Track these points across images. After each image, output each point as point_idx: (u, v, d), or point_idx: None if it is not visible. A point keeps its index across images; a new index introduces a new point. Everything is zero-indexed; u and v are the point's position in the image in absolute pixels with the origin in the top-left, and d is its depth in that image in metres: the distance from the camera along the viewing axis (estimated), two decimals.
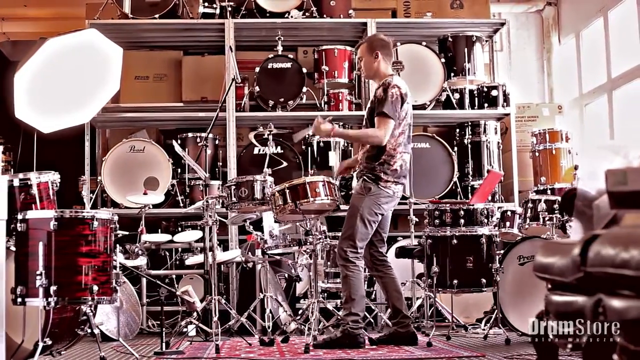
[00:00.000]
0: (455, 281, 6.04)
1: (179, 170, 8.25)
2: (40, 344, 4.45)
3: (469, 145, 8.43)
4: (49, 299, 4.49)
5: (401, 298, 5.90)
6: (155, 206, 7.71)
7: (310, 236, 6.00)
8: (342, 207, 6.23)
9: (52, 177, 5.05)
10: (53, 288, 4.50)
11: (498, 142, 8.48)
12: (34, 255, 4.52)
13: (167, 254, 8.01)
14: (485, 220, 6.14)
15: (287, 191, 5.83)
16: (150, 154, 8.11)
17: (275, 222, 6.53)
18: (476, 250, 6.08)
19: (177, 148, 6.29)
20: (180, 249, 7.98)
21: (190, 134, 8.36)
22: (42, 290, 4.48)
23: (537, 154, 8.19)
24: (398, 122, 5.76)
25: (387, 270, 5.93)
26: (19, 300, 4.52)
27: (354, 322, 5.66)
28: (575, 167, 6.93)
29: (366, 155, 5.84)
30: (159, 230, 8.15)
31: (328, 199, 5.84)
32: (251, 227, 6.97)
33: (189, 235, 7.69)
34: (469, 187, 8.38)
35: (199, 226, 7.94)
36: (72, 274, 4.57)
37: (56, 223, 4.55)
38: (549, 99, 9.70)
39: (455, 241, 6.08)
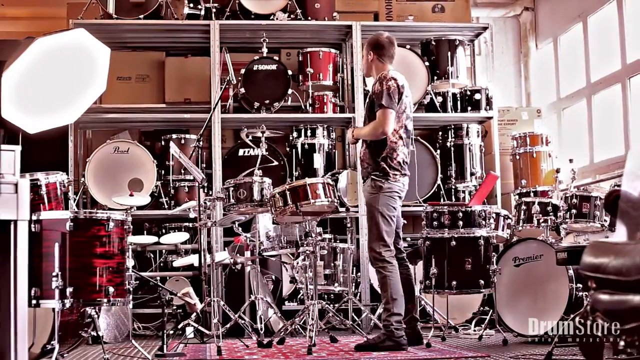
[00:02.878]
0: (454, 282, 6.10)
1: (163, 172, 8.19)
2: (56, 348, 4.39)
3: (452, 148, 8.51)
4: (65, 301, 4.45)
5: (413, 299, 5.93)
6: (139, 208, 7.63)
7: (310, 238, 6.00)
8: (341, 209, 6.24)
9: (61, 178, 5.00)
10: (69, 290, 4.46)
11: (480, 145, 8.57)
12: (48, 257, 4.47)
13: (152, 255, 7.96)
14: (483, 222, 6.20)
15: (288, 193, 5.83)
16: (135, 156, 8.01)
17: (273, 223, 6.52)
18: (474, 252, 6.14)
19: (174, 149, 6.25)
20: (165, 251, 7.92)
21: (174, 135, 8.29)
22: (58, 292, 4.44)
23: (517, 157, 8.27)
24: (397, 115, 5.79)
25: (402, 268, 5.91)
26: (33, 302, 4.46)
27: (397, 323, 5.62)
28: (557, 170, 7.02)
29: (368, 151, 5.86)
30: (143, 232, 8.07)
31: (328, 200, 5.87)
32: (240, 228, 6.94)
33: (175, 237, 7.64)
34: (452, 190, 8.46)
35: (183, 227, 7.91)
36: (87, 275, 4.54)
37: (72, 224, 4.51)
38: (527, 102, 9.82)
39: (453, 243, 6.13)
